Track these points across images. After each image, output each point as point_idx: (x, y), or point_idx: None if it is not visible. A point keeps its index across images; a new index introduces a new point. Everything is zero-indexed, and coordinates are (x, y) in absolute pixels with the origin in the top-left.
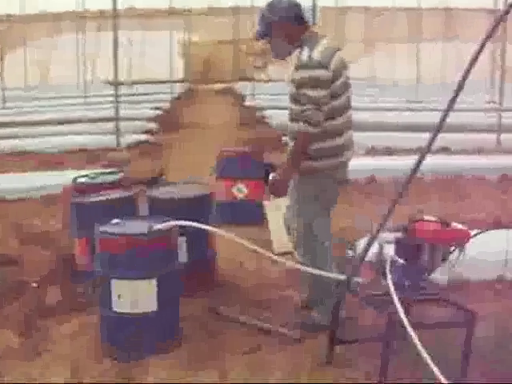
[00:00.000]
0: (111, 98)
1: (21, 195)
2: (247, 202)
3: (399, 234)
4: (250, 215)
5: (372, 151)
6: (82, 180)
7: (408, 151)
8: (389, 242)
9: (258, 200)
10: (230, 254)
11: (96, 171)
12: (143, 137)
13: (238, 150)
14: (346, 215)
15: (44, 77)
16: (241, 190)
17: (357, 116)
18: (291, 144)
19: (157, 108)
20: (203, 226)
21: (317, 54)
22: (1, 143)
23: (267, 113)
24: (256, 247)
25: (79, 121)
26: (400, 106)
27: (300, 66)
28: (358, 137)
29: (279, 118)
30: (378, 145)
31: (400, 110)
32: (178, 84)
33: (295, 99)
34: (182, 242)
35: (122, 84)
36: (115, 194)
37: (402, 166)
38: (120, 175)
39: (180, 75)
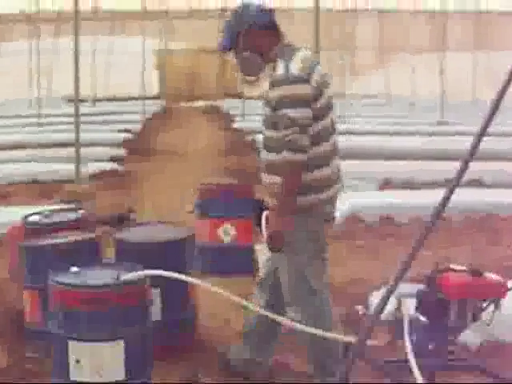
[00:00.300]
0: (70, 119)
1: None
2: (235, 246)
3: (421, 287)
4: (238, 262)
5: (388, 184)
6: (34, 218)
7: (432, 184)
8: (409, 296)
9: (248, 244)
10: (213, 309)
11: (51, 208)
12: (109, 165)
13: (224, 183)
14: (356, 263)
15: None
16: (227, 232)
17: (369, 142)
18: (268, 180)
19: (126, 130)
20: (181, 277)
21: (295, 67)
22: None
23: (259, 137)
24: (244, 301)
25: (31, 146)
26: (421, 130)
27: (276, 83)
28: (371, 167)
29: None
30: (396, 177)
31: (421, 133)
32: (151, 101)
33: (272, 123)
34: (155, 295)
35: (84, 101)
36: (74, 236)
37: (425, 203)
38: (81, 213)
39: (154, 91)
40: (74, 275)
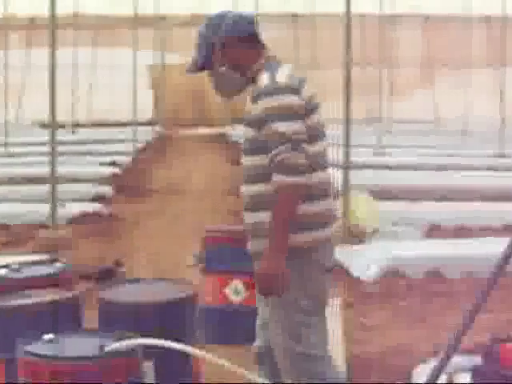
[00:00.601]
0: (45, 148)
1: None
2: (246, 308)
3: (478, 360)
4: (250, 328)
5: (436, 231)
6: (0, 273)
7: (489, 231)
8: (463, 371)
9: None
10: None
11: (21, 259)
12: (91, 207)
13: (234, 230)
14: (398, 329)
15: None
16: (237, 291)
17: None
18: (253, 220)
19: (113, 164)
20: (180, 347)
21: (283, 77)
22: None
23: None
24: (256, 377)
25: None
26: (476, 163)
27: (261, 95)
28: (415, 210)
29: None
30: (445, 222)
31: (476, 168)
32: (144, 128)
33: (256, 147)
34: (148, 368)
35: (62, 127)
36: (50, 295)
37: (481, 254)
38: (58, 266)
39: (148, 115)
40: (49, 344)
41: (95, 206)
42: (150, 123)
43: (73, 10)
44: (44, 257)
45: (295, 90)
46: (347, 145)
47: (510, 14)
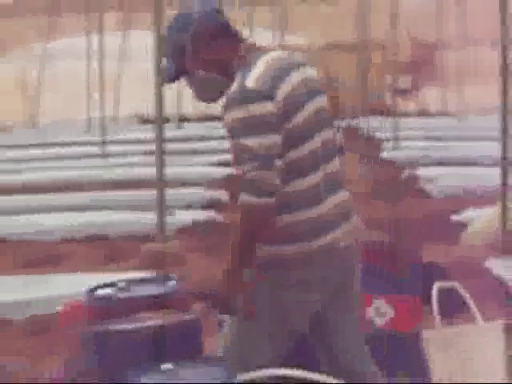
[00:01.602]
0: (146, 147)
1: None
2: (394, 332)
3: None
4: (398, 354)
5: None
6: (104, 292)
7: None
8: None
9: (412, 330)
10: None
11: (127, 277)
12: (204, 214)
13: (375, 243)
14: None
15: (30, 109)
16: (381, 313)
17: None
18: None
19: (226, 164)
20: (320, 378)
21: (253, 79)
22: None
23: (422, 172)
24: None
25: (92, 186)
26: None
27: (229, 104)
28: None
29: (446, 179)
30: None
31: None
32: None
33: (235, 158)
34: None
35: (166, 122)
36: (164, 319)
37: None
38: (170, 284)
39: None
40: (168, 375)
41: (207, 214)
42: None
43: None
44: (152, 274)
45: (266, 96)
46: (504, 139)
47: None
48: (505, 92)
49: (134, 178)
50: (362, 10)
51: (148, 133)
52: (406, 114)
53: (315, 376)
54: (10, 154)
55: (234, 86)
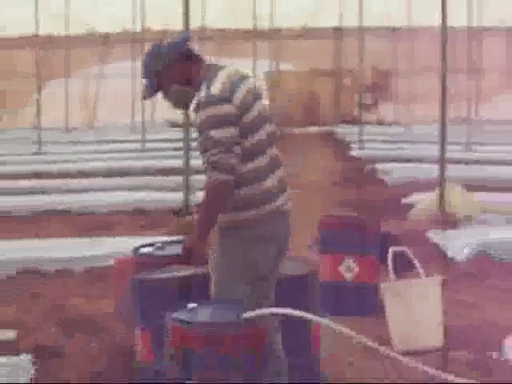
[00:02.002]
0: (177, 144)
1: (60, 267)
2: (358, 284)
3: None
4: (361, 301)
5: None
6: (146, 250)
7: None
8: None
9: (372, 282)
10: (335, 350)
11: (162, 239)
12: None
13: (346, 217)
14: (489, 305)
15: (89, 115)
16: (349, 269)
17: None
18: None
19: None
20: (307, 315)
21: (216, 88)
22: (34, 199)
23: (380, 166)
24: (377, 345)
25: (135, 172)
26: None
27: (199, 106)
28: (501, 198)
29: (394, 172)
30: None
31: None
32: None
33: (203, 148)
34: (277, 337)
35: (191, 126)
36: (190, 270)
37: None
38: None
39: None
40: (193, 312)
41: None
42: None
43: (199, 25)
44: (179, 238)
45: (226, 100)
46: (442, 143)
47: None
48: (443, 108)
49: (166, 167)
50: (337, 47)
51: (177, 134)
52: (368, 123)
53: (314, 317)
54: (75, 148)
55: (201, 93)
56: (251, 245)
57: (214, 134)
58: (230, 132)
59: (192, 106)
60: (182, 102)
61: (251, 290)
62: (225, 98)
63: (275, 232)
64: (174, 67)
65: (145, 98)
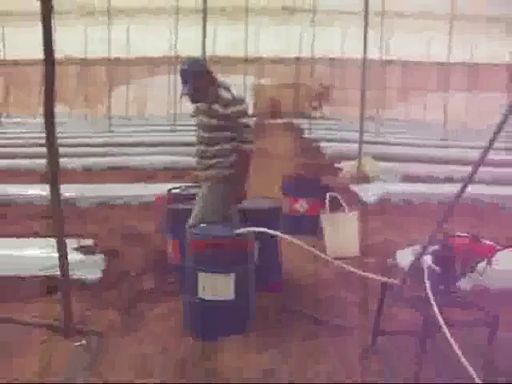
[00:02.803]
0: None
1: (122, 202)
2: (307, 215)
3: (436, 247)
4: (308, 226)
5: (408, 178)
6: (176, 191)
7: (437, 179)
8: (427, 254)
9: (316, 214)
10: (291, 258)
11: (186, 184)
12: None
13: (300, 174)
14: (387, 231)
15: (141, 109)
16: (302, 206)
17: (395, 149)
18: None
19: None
20: (275, 233)
21: (234, 93)
22: (106, 160)
23: (321, 144)
24: (319, 253)
25: (169, 144)
26: (431, 143)
27: (229, 103)
28: (396, 166)
29: (332, 148)
30: (413, 174)
31: (430, 146)
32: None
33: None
34: (256, 245)
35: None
36: None
37: (434, 191)
38: None
39: (251, 111)
40: (204, 229)
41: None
42: (252, 116)
43: (212, 51)
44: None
45: (240, 101)
46: (361, 131)
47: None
48: (362, 110)
49: (188, 141)
50: (297, 69)
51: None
52: (315, 118)
53: (280, 234)
54: (131, 128)
55: (225, 96)
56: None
57: (245, 121)
58: (245, 122)
59: (221, 103)
60: (201, 99)
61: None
62: (239, 100)
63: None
64: (203, 77)
65: (182, 95)
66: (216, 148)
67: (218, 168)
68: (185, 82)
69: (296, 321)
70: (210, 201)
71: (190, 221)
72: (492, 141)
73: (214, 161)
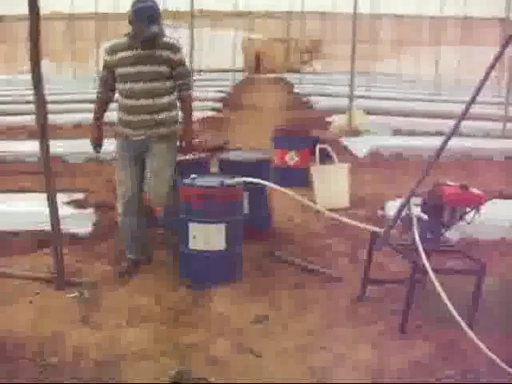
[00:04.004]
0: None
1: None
2: (297, 167)
3: (425, 197)
4: (299, 178)
5: (399, 132)
6: None
7: (428, 133)
8: (416, 205)
9: (305, 166)
10: (280, 209)
11: None
12: (211, 113)
13: (291, 127)
14: (377, 184)
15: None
16: (292, 158)
17: (387, 104)
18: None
19: (221, 91)
20: (264, 183)
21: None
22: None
23: (311, 98)
24: (311, 203)
25: None
26: (422, 98)
27: (178, 48)
28: (387, 120)
29: (321, 102)
30: (404, 128)
31: (422, 100)
32: (239, 73)
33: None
34: (245, 196)
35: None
36: (193, 156)
37: (424, 145)
38: (196, 142)
39: (241, 65)
40: (194, 180)
41: (213, 113)
42: (241, 70)
43: (199, 7)
44: None
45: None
46: (352, 85)
47: (445, 15)
48: (352, 63)
49: None
50: (288, 25)
51: None
52: (305, 73)
53: (271, 184)
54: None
55: (172, 41)
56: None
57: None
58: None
59: (170, 46)
60: (157, 44)
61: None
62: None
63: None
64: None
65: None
66: (165, 100)
67: (169, 124)
68: (152, 21)
69: (285, 269)
70: (173, 163)
71: (160, 190)
72: (474, 96)
73: (163, 115)
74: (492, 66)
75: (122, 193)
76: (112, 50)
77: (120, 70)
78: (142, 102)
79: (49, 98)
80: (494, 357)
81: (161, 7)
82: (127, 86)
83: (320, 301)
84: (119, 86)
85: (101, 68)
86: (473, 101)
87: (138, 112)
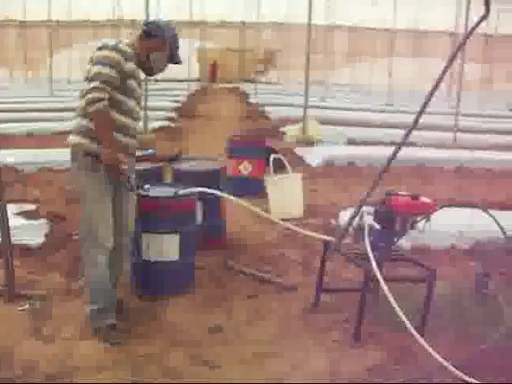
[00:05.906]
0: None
1: (63, 166)
2: (251, 177)
3: (377, 206)
4: (252, 188)
5: (353, 142)
6: None
7: (382, 143)
8: (368, 213)
9: (259, 176)
10: (235, 218)
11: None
12: (166, 123)
13: (245, 136)
14: (331, 193)
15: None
16: (246, 168)
17: (341, 114)
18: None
19: (176, 101)
20: (217, 193)
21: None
22: (47, 125)
23: (266, 108)
24: (265, 214)
25: None
26: (376, 108)
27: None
28: (341, 130)
29: (277, 112)
30: (357, 138)
31: (375, 111)
32: (194, 83)
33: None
34: (199, 206)
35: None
36: (147, 166)
37: (377, 154)
38: (151, 152)
39: (196, 75)
40: (147, 190)
41: (168, 123)
42: (196, 80)
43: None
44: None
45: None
46: (306, 95)
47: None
48: (307, 74)
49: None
50: (243, 34)
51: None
52: (260, 82)
53: (224, 195)
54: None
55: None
56: None
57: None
58: None
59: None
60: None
61: None
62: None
63: None
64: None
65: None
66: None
67: None
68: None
69: (239, 279)
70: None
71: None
72: (423, 106)
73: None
74: (440, 78)
75: (105, 236)
76: (125, 56)
77: (129, 82)
78: (136, 123)
79: (1, 106)
80: (445, 363)
81: (117, 16)
82: (130, 103)
83: (275, 310)
84: (120, 97)
85: (55, 75)
86: (422, 111)
87: (134, 135)
